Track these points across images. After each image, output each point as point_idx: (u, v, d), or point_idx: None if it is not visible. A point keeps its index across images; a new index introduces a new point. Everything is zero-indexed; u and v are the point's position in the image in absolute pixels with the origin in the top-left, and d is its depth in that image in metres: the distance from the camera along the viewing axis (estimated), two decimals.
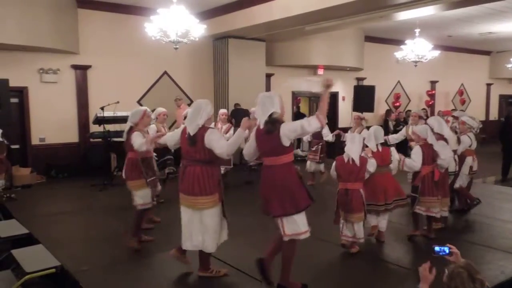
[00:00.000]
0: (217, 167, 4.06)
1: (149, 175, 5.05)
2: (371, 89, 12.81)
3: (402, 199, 5.04)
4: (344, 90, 14.25)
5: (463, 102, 17.63)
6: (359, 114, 8.53)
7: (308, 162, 8.36)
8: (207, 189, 3.87)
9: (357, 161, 4.52)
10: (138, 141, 4.75)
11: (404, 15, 8.93)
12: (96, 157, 9.33)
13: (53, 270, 4.05)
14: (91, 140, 9.36)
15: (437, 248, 2.44)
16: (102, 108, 8.43)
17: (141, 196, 4.98)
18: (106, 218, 6.29)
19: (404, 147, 7.84)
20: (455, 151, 5.96)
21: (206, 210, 3.90)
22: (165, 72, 10.86)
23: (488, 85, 18.97)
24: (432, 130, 5.31)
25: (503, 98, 19.70)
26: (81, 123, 9.74)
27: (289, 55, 12.44)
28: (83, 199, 7.60)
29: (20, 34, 8.10)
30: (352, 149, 4.56)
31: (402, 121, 12.79)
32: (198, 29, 7.22)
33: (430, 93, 16.66)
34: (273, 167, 3.62)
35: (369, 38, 13.96)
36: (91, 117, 9.38)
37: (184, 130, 4.03)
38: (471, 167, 6.38)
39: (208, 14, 10.01)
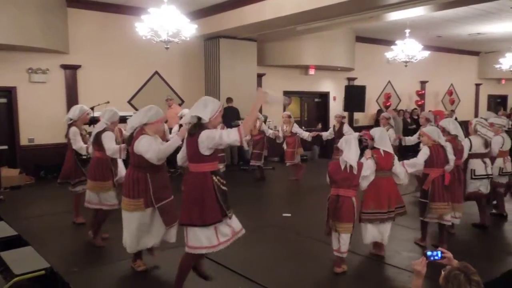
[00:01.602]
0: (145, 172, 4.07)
1: (115, 174, 5.19)
2: (362, 89, 12.88)
3: (402, 206, 4.78)
4: (335, 90, 14.31)
5: (452, 102, 17.81)
6: (385, 114, 8.55)
7: None
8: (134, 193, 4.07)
9: (355, 168, 4.22)
10: (111, 146, 4.81)
11: (394, 16, 8.99)
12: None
13: (43, 272, 4.00)
14: None
15: (429, 253, 2.45)
16: (92, 108, 8.35)
17: (112, 197, 5.13)
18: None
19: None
20: (484, 154, 5.72)
21: (132, 212, 4.10)
22: (156, 72, 10.81)
23: (477, 85, 19.18)
24: (444, 131, 5.17)
25: (491, 98, 19.93)
26: (70, 124, 9.63)
27: (281, 55, 12.45)
28: (72, 200, 7.51)
29: (8, 33, 7.99)
30: (350, 156, 4.21)
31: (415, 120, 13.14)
32: (189, 29, 7.20)
33: (420, 93, 16.80)
34: (191, 174, 3.51)
35: (360, 39, 14.03)
36: None
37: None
38: (501, 169, 6.04)
39: (199, 14, 9.99)
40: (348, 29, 12.76)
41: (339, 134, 8.61)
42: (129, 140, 4.11)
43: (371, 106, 14.94)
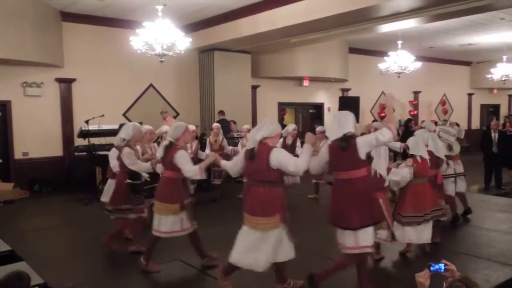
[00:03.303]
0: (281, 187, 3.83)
1: (185, 197, 4.59)
2: (355, 100, 12.99)
3: (439, 209, 5.01)
4: (329, 101, 14.40)
5: (445, 112, 17.95)
6: (375, 124, 8.50)
7: None
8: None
9: (385, 176, 4.48)
10: (191, 168, 4.32)
11: (386, 28, 9.11)
12: (81, 171, 9.22)
13: None
14: (76, 153, 9.26)
15: (432, 265, 2.46)
16: (87, 122, 8.36)
17: (172, 223, 4.46)
18: (91, 233, 6.18)
19: None
20: (447, 156, 6.03)
21: (267, 231, 3.69)
22: (151, 85, 10.85)
23: (470, 95, 19.37)
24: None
25: (484, 108, 20.12)
26: (65, 137, 9.64)
27: (275, 67, 12.55)
28: (67, 214, 7.50)
29: (3, 47, 8.02)
30: (380, 165, 4.46)
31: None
32: (183, 42, 7.25)
33: (413, 103, 16.93)
34: (352, 180, 3.73)
35: (353, 50, 14.17)
36: (76, 131, 9.29)
37: (246, 151, 3.87)
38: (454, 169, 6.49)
39: (193, 27, 10.06)
40: (342, 41, 12.90)
41: (291, 149, 7.71)
42: (251, 155, 3.78)
43: (366, 117, 15.03)
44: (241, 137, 9.05)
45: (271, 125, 3.83)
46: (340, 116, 3.86)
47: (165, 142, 4.59)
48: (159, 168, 4.75)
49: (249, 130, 8.17)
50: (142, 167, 4.98)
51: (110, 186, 5.77)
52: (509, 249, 5.26)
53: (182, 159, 4.33)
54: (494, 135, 9.80)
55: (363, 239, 3.70)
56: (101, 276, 4.63)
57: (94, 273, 4.71)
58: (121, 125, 6.23)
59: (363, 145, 3.69)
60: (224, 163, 4.24)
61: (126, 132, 5.04)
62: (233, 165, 4.07)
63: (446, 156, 5.83)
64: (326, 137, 7.58)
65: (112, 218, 5.37)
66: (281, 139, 8.17)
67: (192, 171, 4.30)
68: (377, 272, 4.61)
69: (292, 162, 3.67)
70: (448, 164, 6.12)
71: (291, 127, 8.17)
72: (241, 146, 8.12)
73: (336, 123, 3.82)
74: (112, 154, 5.66)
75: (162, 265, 4.76)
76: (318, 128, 8.09)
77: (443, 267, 2.45)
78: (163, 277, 4.57)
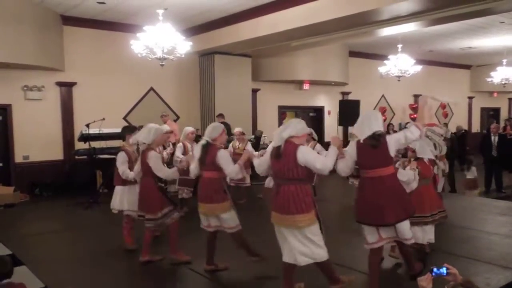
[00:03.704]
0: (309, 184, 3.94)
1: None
2: (356, 103, 12.98)
3: (443, 211, 5.07)
4: (329, 104, 14.41)
5: (445, 115, 17.95)
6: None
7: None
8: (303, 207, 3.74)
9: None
10: (234, 168, 4.33)
11: (386, 31, 9.13)
12: (81, 174, 9.24)
13: None
14: (76, 157, 9.27)
15: (435, 270, 2.45)
16: (87, 125, 8.37)
17: (233, 218, 4.46)
18: (91, 237, 6.19)
19: None
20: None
21: (307, 228, 3.73)
22: (151, 88, 10.86)
23: (470, 98, 19.38)
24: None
25: (484, 111, 20.13)
26: (65, 141, 9.65)
27: (275, 71, 12.57)
28: (68, 218, 7.49)
29: (4, 51, 8.04)
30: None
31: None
32: (184, 46, 7.28)
33: (413, 106, 16.94)
34: (383, 178, 3.82)
35: (354, 53, 14.20)
36: (76, 134, 9.30)
37: (272, 150, 3.92)
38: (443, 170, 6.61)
39: (194, 31, 10.09)
40: (342, 44, 12.92)
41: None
42: (277, 153, 3.81)
43: None
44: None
45: (298, 124, 3.86)
46: (370, 115, 3.95)
47: (202, 142, 4.49)
48: (194, 170, 4.59)
49: (241, 133, 8.22)
50: (169, 174, 4.82)
51: (124, 194, 5.44)
52: (509, 253, 5.25)
53: (225, 158, 4.36)
54: (494, 139, 9.82)
55: (404, 232, 3.87)
56: (101, 280, 4.63)
57: (95, 277, 4.71)
58: (125, 128, 5.91)
59: (393, 143, 3.83)
60: (254, 162, 4.27)
61: (147, 136, 4.79)
62: (260, 164, 4.11)
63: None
64: (313, 139, 7.69)
65: (150, 226, 4.89)
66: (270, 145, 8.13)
67: (234, 170, 4.34)
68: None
69: (319, 160, 3.73)
70: (436, 164, 6.15)
71: (235, 130, 8.12)
72: (232, 149, 8.03)
73: (365, 122, 3.88)
74: (120, 159, 5.39)
75: (163, 269, 4.77)
76: (237, 130, 8.13)
77: (445, 271, 2.45)
78: (165, 281, 4.57)
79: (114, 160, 5.60)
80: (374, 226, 3.88)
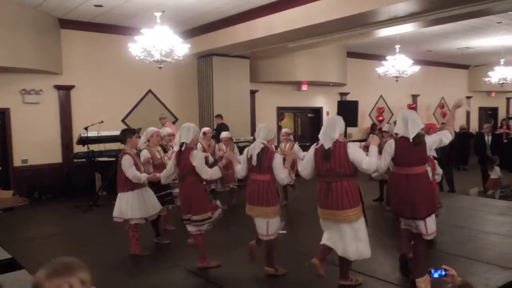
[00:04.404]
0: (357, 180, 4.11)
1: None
2: (354, 104, 13.01)
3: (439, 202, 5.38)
4: (328, 105, 14.43)
5: (444, 115, 17.97)
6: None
7: None
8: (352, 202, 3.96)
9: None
10: (286, 174, 4.38)
11: (384, 32, 9.14)
12: (80, 177, 9.23)
13: None
14: (75, 160, 9.26)
15: (433, 272, 2.46)
16: (86, 128, 8.38)
17: (277, 223, 4.47)
18: (91, 240, 6.18)
19: None
20: None
21: (356, 221, 3.97)
22: (150, 91, 10.87)
23: (468, 97, 19.41)
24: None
25: (482, 110, 20.17)
26: (64, 144, 9.64)
27: (273, 72, 12.57)
28: (67, 221, 7.49)
29: (1, 55, 8.03)
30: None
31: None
32: (182, 48, 7.27)
33: (411, 106, 16.96)
34: (419, 175, 4.11)
35: (351, 54, 14.21)
36: (75, 138, 9.30)
37: (316, 151, 4.10)
38: None
39: (192, 33, 10.10)
40: (340, 45, 12.93)
41: None
42: (328, 154, 3.97)
43: (364, 121, 15.06)
44: (236, 142, 9.13)
45: (341, 121, 4.15)
46: (413, 116, 4.19)
47: (258, 145, 4.43)
48: (240, 171, 4.56)
49: (230, 139, 8.16)
50: (211, 173, 4.67)
51: (133, 200, 5.24)
52: (508, 252, 5.26)
53: (280, 163, 4.40)
54: (488, 138, 9.87)
55: (430, 226, 4.13)
56: (101, 283, 4.61)
57: (95, 280, 4.69)
58: (124, 130, 5.72)
59: (431, 144, 4.18)
60: (299, 167, 4.38)
61: (187, 135, 4.72)
62: (304, 168, 4.24)
63: None
64: (290, 140, 7.73)
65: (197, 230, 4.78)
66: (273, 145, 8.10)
67: (286, 178, 4.39)
68: (376, 277, 4.60)
69: (366, 160, 3.93)
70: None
71: (283, 130, 8.14)
72: (219, 151, 7.89)
73: (409, 121, 4.11)
74: (127, 163, 5.17)
75: (164, 272, 4.76)
76: (285, 130, 8.11)
77: (443, 273, 2.45)
78: (166, 285, 4.57)
79: (113, 162, 5.58)
80: (409, 218, 4.19)
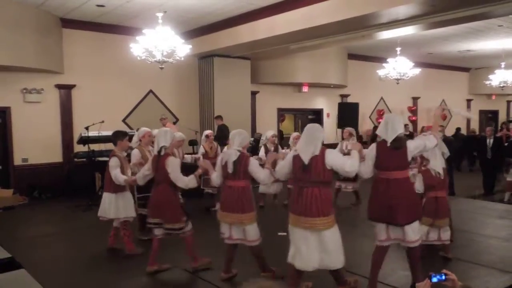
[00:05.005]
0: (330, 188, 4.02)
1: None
2: (355, 106, 13.02)
3: None
4: (328, 107, 14.43)
5: (444, 117, 17.95)
6: (349, 129, 8.47)
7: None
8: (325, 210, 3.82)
9: (442, 174, 4.95)
10: (265, 175, 4.31)
11: (385, 35, 9.15)
12: (80, 177, 9.22)
13: None
14: (75, 160, 9.26)
15: (434, 277, 2.45)
16: (86, 128, 8.38)
17: (254, 229, 4.38)
18: (91, 240, 6.18)
19: None
20: None
21: (325, 231, 3.80)
22: (151, 91, 10.87)
23: (468, 100, 19.42)
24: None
25: (483, 113, 20.17)
26: (65, 143, 9.64)
27: (274, 73, 12.58)
28: (67, 221, 7.49)
29: (3, 53, 8.04)
30: (437, 164, 4.92)
31: None
32: (183, 49, 7.28)
33: (412, 109, 16.96)
34: (399, 180, 3.97)
35: (352, 56, 14.22)
36: (76, 137, 9.30)
37: (295, 157, 3.94)
38: None
39: (193, 33, 10.11)
40: (341, 47, 12.95)
41: None
42: (305, 167, 3.84)
43: (365, 123, 15.06)
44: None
45: (321, 133, 4.00)
46: (394, 119, 4.07)
47: (235, 153, 4.36)
48: (216, 179, 4.50)
49: (274, 136, 8.15)
50: (187, 182, 4.56)
51: (117, 201, 5.33)
52: (508, 256, 5.26)
53: (257, 166, 4.34)
54: (489, 141, 9.86)
55: (409, 234, 3.96)
56: (101, 282, 4.62)
57: (94, 280, 4.70)
58: (115, 132, 5.66)
59: (412, 149, 4.02)
60: (277, 166, 4.26)
61: (165, 139, 4.64)
62: (281, 168, 4.13)
63: None
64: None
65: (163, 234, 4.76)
66: (262, 147, 8.12)
67: (267, 176, 4.31)
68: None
69: (348, 163, 3.85)
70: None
71: (270, 133, 8.02)
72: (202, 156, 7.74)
73: (390, 125, 4.01)
74: (114, 163, 5.26)
75: (163, 273, 4.76)
76: (296, 134, 7.95)
77: (444, 277, 2.45)
78: (161, 284, 4.56)
79: None
80: (385, 223, 4.03)
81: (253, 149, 10.04)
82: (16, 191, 8.75)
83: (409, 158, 4.04)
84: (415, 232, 4.01)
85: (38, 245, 6.03)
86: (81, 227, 6.96)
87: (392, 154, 3.96)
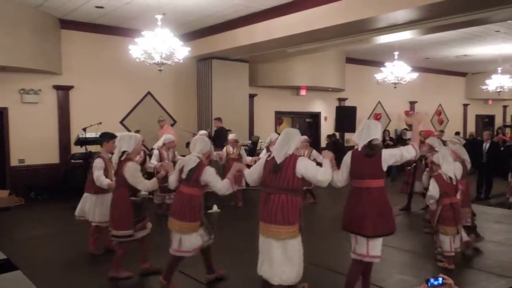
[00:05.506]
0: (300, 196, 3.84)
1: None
2: (352, 110, 13.03)
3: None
4: (326, 110, 14.46)
5: (441, 122, 18.06)
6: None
7: None
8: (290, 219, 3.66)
9: (454, 179, 4.97)
10: (224, 184, 4.18)
11: (383, 39, 9.18)
12: (77, 178, 9.16)
13: None
14: (72, 161, 9.23)
15: (430, 279, 2.46)
16: (84, 129, 8.36)
17: (190, 240, 4.26)
18: (87, 241, 6.13)
19: None
20: None
21: (288, 240, 3.66)
22: (149, 93, 10.86)
23: (465, 105, 19.51)
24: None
25: (479, 118, 20.26)
26: (62, 144, 9.61)
27: (272, 76, 12.60)
28: (63, 222, 7.44)
29: (1, 54, 8.02)
30: (449, 169, 4.97)
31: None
32: (182, 51, 7.28)
33: (409, 113, 17.01)
34: (371, 189, 3.79)
35: (350, 60, 14.27)
36: (73, 138, 9.28)
37: (267, 161, 3.83)
38: None
39: (192, 36, 10.12)
40: (339, 51, 12.98)
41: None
42: (276, 166, 3.72)
43: None
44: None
45: (297, 136, 3.84)
46: (370, 124, 3.94)
47: (194, 159, 4.27)
48: (172, 182, 4.42)
49: (236, 141, 8.29)
50: (148, 185, 4.51)
51: (95, 204, 5.46)
52: (505, 261, 5.28)
53: (213, 175, 4.22)
54: (485, 146, 9.90)
55: (372, 248, 3.79)
56: (97, 284, 4.60)
57: (91, 282, 4.69)
58: (103, 134, 5.70)
59: (387, 157, 3.81)
60: (245, 171, 4.16)
61: (128, 144, 4.58)
62: (251, 174, 3.99)
63: None
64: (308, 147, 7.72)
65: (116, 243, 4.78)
66: (264, 149, 8.15)
67: (225, 186, 4.17)
68: (372, 283, 4.60)
69: (321, 172, 3.69)
70: None
71: (274, 136, 8.05)
72: (226, 154, 8.24)
73: (365, 131, 3.88)
74: (98, 164, 5.29)
75: (159, 275, 4.74)
76: (304, 137, 8.03)
77: (441, 281, 2.45)
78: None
79: None
80: (354, 234, 3.86)
81: (251, 152, 10.06)
82: (13, 192, 8.71)
83: (384, 167, 3.81)
84: (377, 249, 3.83)
85: (34, 246, 6.01)
86: (77, 229, 6.89)
87: (365, 161, 3.80)
